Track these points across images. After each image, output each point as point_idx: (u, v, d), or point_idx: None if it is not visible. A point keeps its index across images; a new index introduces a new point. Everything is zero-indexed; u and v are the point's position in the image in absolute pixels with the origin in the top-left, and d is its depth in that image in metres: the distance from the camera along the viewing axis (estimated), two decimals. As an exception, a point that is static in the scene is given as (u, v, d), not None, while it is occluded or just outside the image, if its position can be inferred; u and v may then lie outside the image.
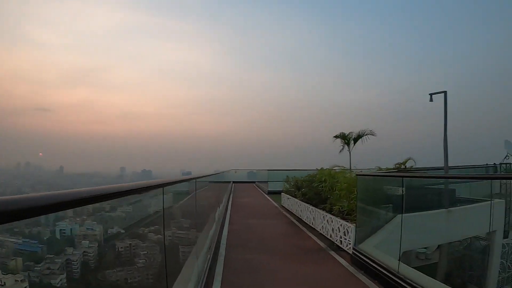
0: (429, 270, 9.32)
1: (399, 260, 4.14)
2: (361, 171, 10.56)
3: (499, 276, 9.08)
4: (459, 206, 7.84)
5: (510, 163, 15.62)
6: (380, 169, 12.16)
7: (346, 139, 12.43)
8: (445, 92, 7.69)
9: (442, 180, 7.76)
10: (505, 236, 11.47)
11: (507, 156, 15.41)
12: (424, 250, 10.27)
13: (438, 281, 3.85)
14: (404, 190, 8.11)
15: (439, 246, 8.68)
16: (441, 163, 7.71)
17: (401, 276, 3.88)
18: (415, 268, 10.18)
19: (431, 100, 8.04)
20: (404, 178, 4.61)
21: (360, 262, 4.84)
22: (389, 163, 12.68)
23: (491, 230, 8.34)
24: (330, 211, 6.90)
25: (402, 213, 4.67)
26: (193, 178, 4.38)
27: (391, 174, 6.06)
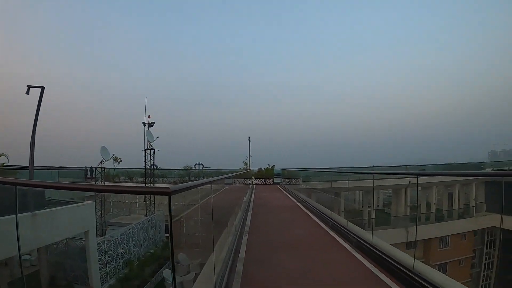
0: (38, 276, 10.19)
1: None
2: None
3: (101, 272, 11.36)
4: (48, 208, 7.44)
5: (104, 167, 16.34)
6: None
7: None
8: (42, 88, 7.21)
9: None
10: (103, 234, 14.42)
11: (102, 161, 16.19)
12: (28, 257, 11.17)
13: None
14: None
15: (38, 251, 9.84)
16: (39, 163, 7.25)
17: None
18: (20, 278, 10.72)
19: (27, 92, 7.37)
20: None
21: None
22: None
23: (85, 230, 9.03)
24: None
25: None
26: None
27: None
